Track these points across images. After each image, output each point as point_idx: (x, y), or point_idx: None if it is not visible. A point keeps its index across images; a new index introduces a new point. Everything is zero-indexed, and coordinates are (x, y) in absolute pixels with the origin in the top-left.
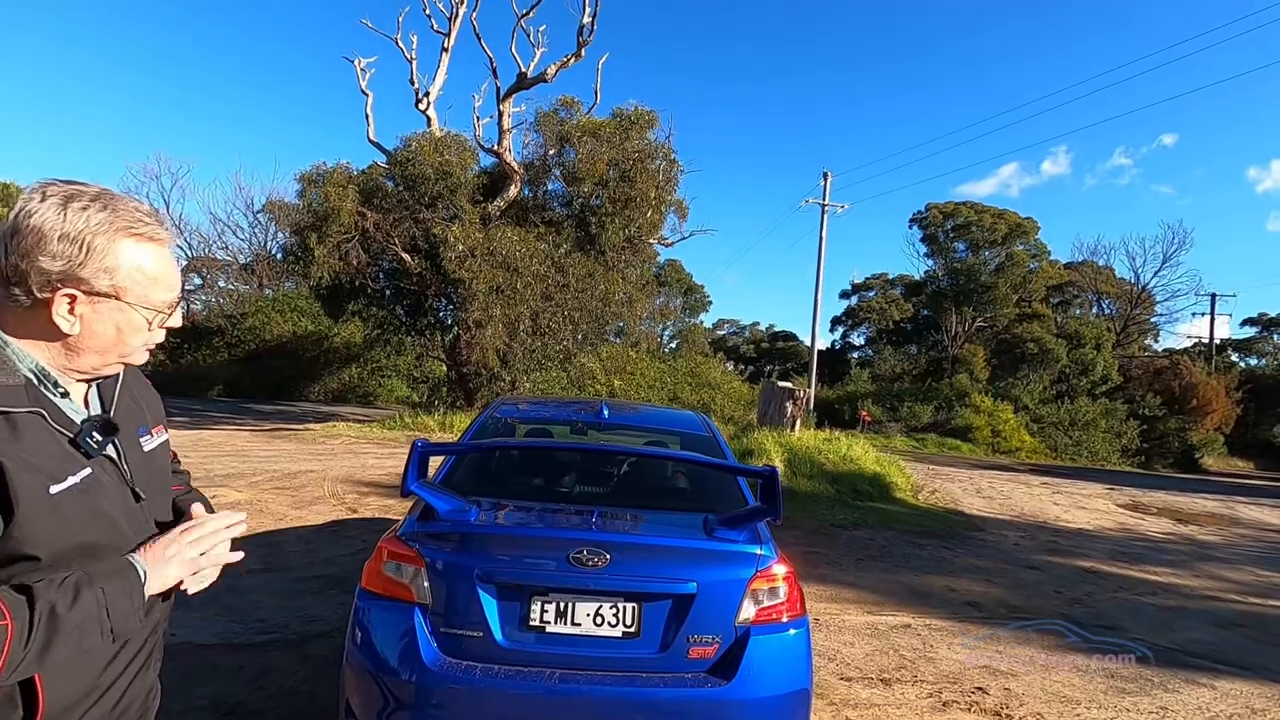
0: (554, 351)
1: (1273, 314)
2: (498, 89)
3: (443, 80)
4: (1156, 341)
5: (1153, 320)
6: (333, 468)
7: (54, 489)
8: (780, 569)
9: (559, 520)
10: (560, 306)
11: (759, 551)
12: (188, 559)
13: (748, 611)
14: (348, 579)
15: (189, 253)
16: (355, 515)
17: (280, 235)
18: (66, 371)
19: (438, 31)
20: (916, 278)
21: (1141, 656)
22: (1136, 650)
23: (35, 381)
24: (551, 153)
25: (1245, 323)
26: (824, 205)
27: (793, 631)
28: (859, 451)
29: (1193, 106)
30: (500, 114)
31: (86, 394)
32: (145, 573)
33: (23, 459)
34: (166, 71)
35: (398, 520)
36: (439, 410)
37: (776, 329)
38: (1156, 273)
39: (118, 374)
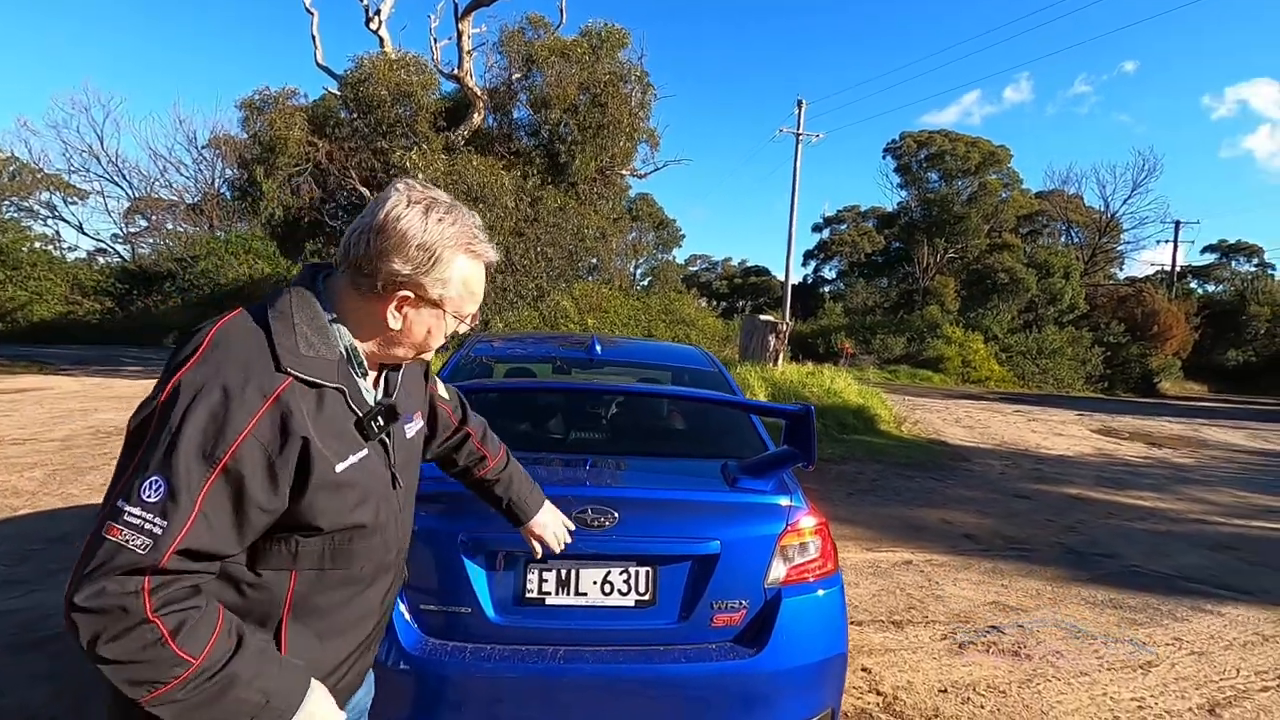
0: (526, 290)
1: (1231, 241)
2: (455, 6)
3: None
4: (1121, 270)
5: (1119, 248)
6: None
7: (339, 467)
8: (811, 521)
9: (556, 474)
10: (532, 242)
11: (788, 502)
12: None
13: (778, 571)
14: None
15: (130, 193)
16: None
17: (229, 172)
18: (373, 357)
19: None
20: (889, 209)
21: (1144, 584)
22: (1139, 578)
23: (346, 358)
24: (517, 76)
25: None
26: (798, 135)
27: (826, 591)
28: (841, 385)
29: (1153, 32)
30: (459, 34)
31: (377, 377)
32: (299, 711)
33: (322, 436)
34: None
35: None
36: None
37: (749, 264)
38: (1126, 200)
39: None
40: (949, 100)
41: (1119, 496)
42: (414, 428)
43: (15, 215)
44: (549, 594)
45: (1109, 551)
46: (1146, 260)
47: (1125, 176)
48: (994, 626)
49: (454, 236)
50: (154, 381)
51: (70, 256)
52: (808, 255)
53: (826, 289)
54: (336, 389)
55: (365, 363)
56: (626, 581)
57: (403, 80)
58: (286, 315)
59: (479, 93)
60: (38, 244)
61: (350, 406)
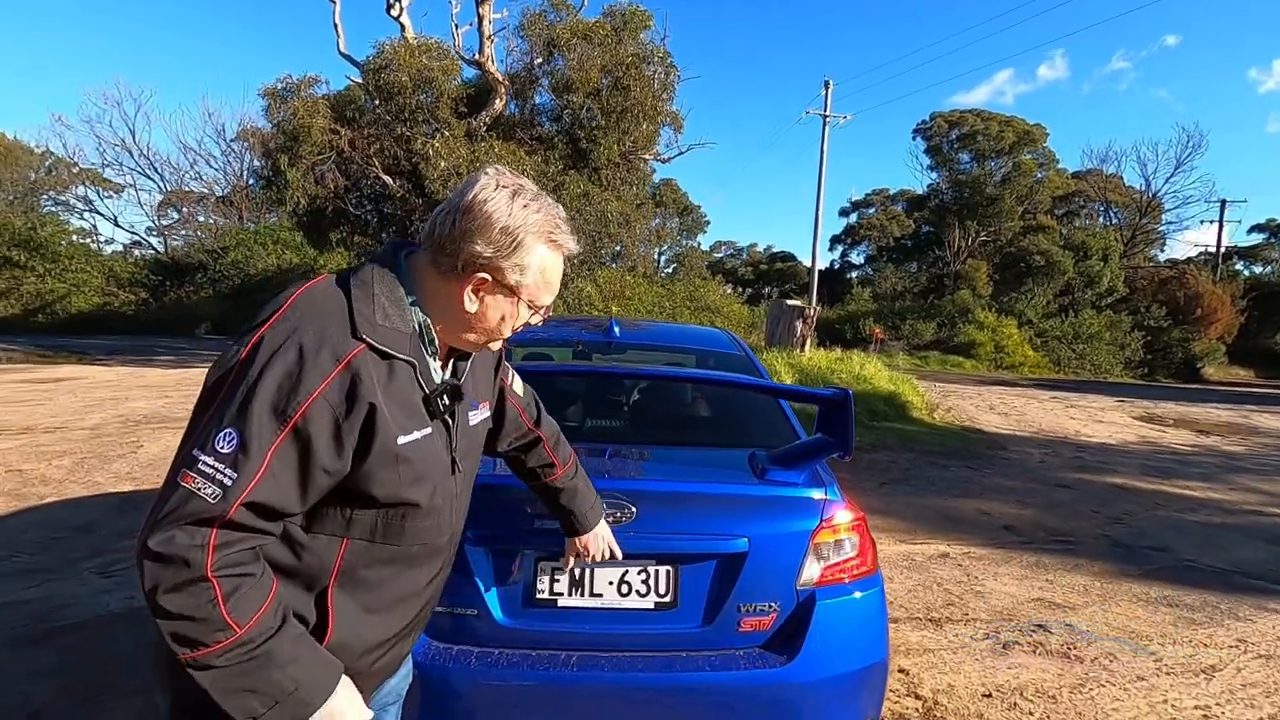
0: None
1: None
2: None
3: None
4: (1162, 251)
5: (1160, 229)
6: None
7: (401, 440)
8: (847, 516)
9: None
10: None
11: (823, 496)
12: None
13: (811, 571)
14: None
15: (162, 187)
16: None
17: (256, 163)
18: (444, 339)
19: None
20: (919, 192)
21: (1200, 580)
22: (1193, 573)
23: (419, 333)
24: (539, 61)
25: (1253, 229)
26: (825, 116)
27: (864, 593)
28: (872, 370)
29: (1196, 4)
30: (480, 19)
31: (446, 360)
32: (324, 705)
33: (388, 405)
34: None
35: None
36: None
37: (775, 250)
38: (1168, 179)
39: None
40: (979, 79)
41: (1167, 486)
42: (478, 416)
43: (54, 209)
44: (561, 595)
45: (1159, 544)
46: (1190, 241)
47: (1168, 154)
48: (1040, 625)
49: (537, 224)
50: (184, 371)
51: (107, 250)
52: (835, 240)
53: (854, 274)
54: (407, 362)
55: (437, 341)
56: (645, 582)
57: (424, 66)
58: (368, 285)
59: (500, 78)
60: (75, 237)
61: (418, 381)
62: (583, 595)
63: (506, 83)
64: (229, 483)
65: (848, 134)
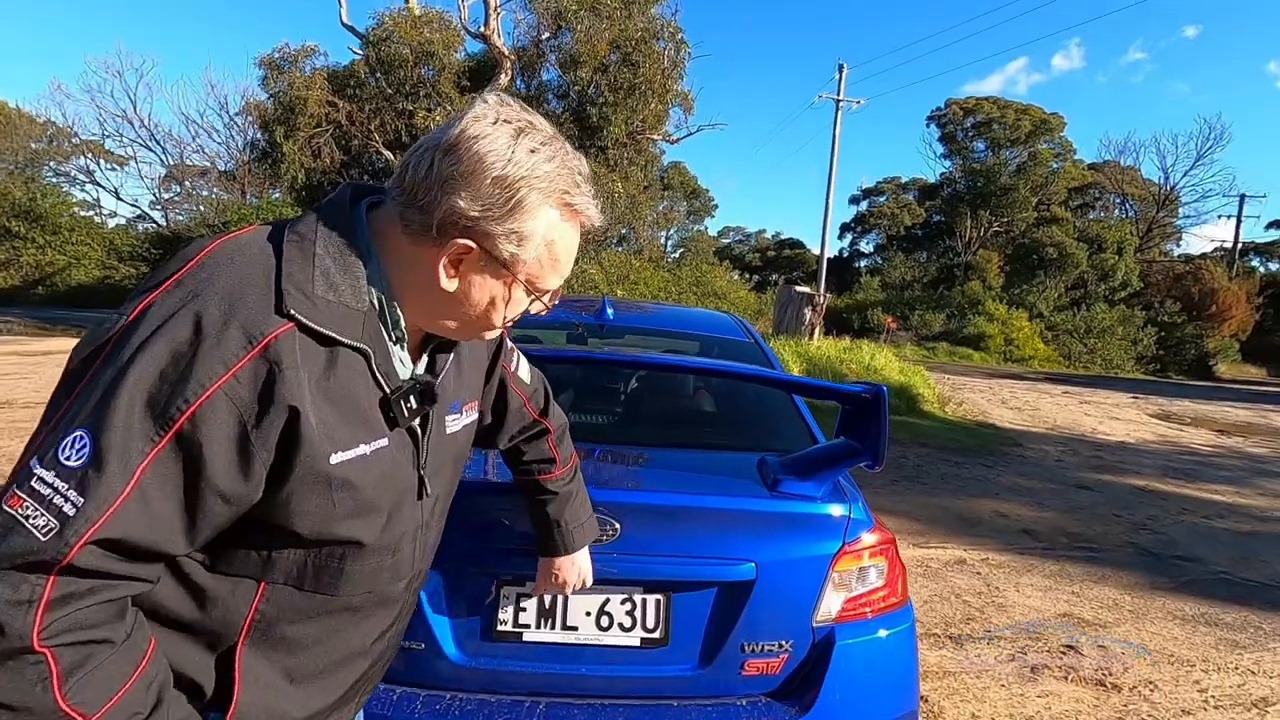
0: None
1: None
2: None
3: None
4: (1178, 246)
5: (1177, 224)
6: None
7: (335, 458)
8: (873, 537)
9: None
10: None
11: (846, 513)
12: None
13: (830, 604)
14: None
15: (164, 160)
16: None
17: (257, 137)
18: (415, 324)
19: None
20: (931, 181)
21: (1239, 596)
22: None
23: (377, 310)
24: (545, 36)
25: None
26: (838, 100)
27: (891, 630)
28: (882, 361)
29: None
30: None
31: (419, 352)
32: None
33: (323, 410)
34: None
35: None
36: None
37: (783, 236)
38: (1187, 172)
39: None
40: (993, 67)
41: (1192, 490)
42: (460, 422)
43: (55, 181)
44: (527, 627)
45: (1190, 555)
46: (1206, 236)
47: (1188, 147)
48: (1070, 645)
49: (547, 177)
50: None
51: (110, 223)
52: (844, 228)
53: (863, 263)
54: (357, 350)
55: (403, 323)
56: (630, 613)
57: (425, 39)
58: (307, 242)
59: (506, 52)
60: (77, 210)
61: (374, 377)
62: (554, 628)
63: (513, 57)
64: (71, 511)
65: (860, 120)
